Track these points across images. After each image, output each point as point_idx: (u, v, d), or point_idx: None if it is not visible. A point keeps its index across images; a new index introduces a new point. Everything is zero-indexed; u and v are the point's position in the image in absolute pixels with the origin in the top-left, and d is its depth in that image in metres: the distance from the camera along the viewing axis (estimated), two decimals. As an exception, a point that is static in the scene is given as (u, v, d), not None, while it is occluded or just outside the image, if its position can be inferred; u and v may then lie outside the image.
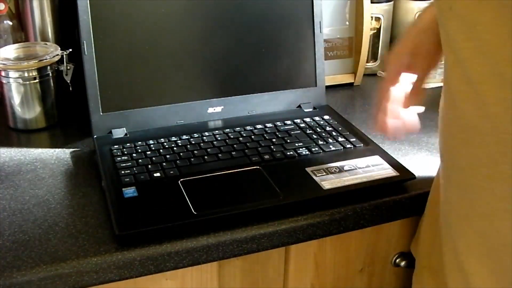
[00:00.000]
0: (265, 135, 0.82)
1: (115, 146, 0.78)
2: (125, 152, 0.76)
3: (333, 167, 0.74)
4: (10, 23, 0.97)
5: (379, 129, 0.71)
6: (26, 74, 0.86)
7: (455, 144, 0.55)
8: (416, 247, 0.73)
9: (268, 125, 0.85)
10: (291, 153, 0.77)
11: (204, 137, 0.80)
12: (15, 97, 0.87)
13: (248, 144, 0.79)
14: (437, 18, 0.55)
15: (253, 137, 0.81)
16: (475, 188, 0.53)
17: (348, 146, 0.79)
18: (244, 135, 0.81)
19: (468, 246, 0.55)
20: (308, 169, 0.73)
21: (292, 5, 0.89)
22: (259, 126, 0.84)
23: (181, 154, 0.76)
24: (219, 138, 0.80)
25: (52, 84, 0.89)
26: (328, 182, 0.70)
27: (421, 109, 0.71)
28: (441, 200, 0.61)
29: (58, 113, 0.91)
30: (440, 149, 0.60)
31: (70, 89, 0.90)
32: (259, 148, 0.78)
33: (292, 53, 0.90)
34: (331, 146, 0.79)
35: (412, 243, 0.75)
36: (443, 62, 0.56)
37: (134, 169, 0.72)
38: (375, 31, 1.12)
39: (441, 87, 0.57)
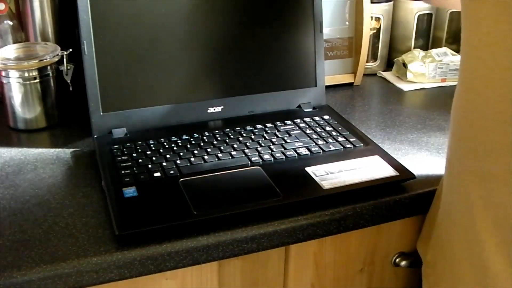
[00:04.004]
0: (265, 135, 0.82)
1: (115, 146, 0.78)
2: (125, 152, 0.76)
3: (333, 167, 0.74)
4: (10, 23, 0.97)
5: None
6: (26, 74, 0.86)
7: (474, 131, 0.54)
8: (423, 244, 0.72)
9: (268, 125, 0.85)
10: (291, 153, 0.77)
11: (204, 137, 0.80)
12: (15, 97, 0.87)
13: (248, 144, 0.79)
14: (463, 4, 0.54)
15: (253, 137, 0.81)
16: (494, 177, 0.52)
17: (348, 146, 0.79)
18: (244, 135, 0.81)
19: (489, 239, 0.54)
20: (308, 169, 0.73)
21: (293, 5, 0.89)
22: (259, 126, 0.84)
23: (181, 154, 0.76)
24: (219, 138, 0.80)
25: (52, 84, 0.89)
26: (328, 182, 0.70)
27: None
28: (449, 190, 0.60)
29: (58, 113, 0.91)
30: (454, 137, 0.59)
31: (70, 89, 0.90)
32: (259, 148, 0.78)
33: (292, 53, 0.90)
34: (331, 146, 0.79)
35: (418, 242, 0.74)
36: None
37: (134, 169, 0.72)
38: (375, 31, 1.12)
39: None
